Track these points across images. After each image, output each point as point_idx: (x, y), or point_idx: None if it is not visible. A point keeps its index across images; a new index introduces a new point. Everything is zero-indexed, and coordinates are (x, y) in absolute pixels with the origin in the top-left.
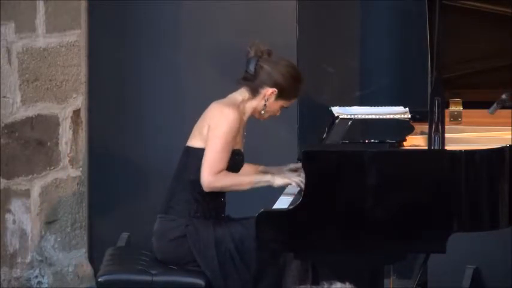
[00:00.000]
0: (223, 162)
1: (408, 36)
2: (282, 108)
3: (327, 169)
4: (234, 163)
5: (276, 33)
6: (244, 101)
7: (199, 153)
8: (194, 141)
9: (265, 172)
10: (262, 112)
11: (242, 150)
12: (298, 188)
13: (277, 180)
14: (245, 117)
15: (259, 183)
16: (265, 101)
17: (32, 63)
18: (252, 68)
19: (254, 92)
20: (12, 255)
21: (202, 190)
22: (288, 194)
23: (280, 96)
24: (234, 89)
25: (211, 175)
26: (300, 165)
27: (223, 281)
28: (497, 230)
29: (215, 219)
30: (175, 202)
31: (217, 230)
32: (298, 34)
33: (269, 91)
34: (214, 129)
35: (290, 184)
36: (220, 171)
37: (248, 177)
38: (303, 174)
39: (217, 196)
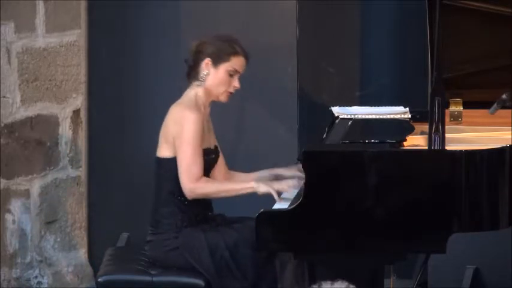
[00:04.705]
0: (198, 166)
1: (408, 36)
2: (232, 74)
3: (327, 169)
4: (206, 163)
5: (276, 33)
6: (197, 94)
7: (170, 163)
8: (163, 151)
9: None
10: (208, 84)
11: (213, 147)
12: (295, 194)
13: (261, 188)
14: (206, 110)
15: (243, 190)
16: (205, 75)
17: (32, 63)
18: (190, 60)
19: (198, 78)
20: (11, 256)
21: (185, 199)
22: (285, 199)
23: (215, 61)
24: None
25: (191, 182)
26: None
27: (222, 284)
28: (497, 230)
29: (204, 224)
30: (161, 215)
31: (209, 238)
32: (298, 34)
33: (203, 64)
34: (181, 136)
35: (270, 193)
36: (199, 176)
37: (232, 184)
38: (292, 180)
39: (202, 200)
